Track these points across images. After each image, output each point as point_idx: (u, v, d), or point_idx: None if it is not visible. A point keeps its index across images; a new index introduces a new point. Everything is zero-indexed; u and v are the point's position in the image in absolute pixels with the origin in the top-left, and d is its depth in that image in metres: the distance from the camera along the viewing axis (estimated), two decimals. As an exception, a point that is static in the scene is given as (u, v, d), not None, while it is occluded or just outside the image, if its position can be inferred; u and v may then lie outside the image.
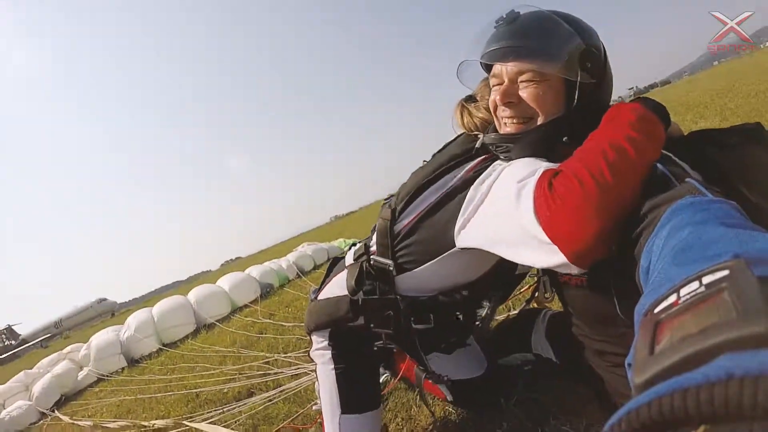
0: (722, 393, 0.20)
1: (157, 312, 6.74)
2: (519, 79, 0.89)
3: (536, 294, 1.46)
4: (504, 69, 0.91)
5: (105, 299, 54.35)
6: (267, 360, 3.23)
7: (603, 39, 0.92)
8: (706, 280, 0.30)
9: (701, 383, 0.21)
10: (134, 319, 6.70)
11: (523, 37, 0.88)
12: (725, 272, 0.30)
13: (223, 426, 2.25)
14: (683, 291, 0.31)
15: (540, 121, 0.90)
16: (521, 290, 2.13)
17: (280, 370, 2.79)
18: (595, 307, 0.97)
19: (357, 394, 1.24)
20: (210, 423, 2.39)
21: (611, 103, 0.93)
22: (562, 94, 0.89)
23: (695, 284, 0.31)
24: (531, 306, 1.68)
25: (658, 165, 0.71)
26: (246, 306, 6.65)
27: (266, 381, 2.72)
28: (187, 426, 2.49)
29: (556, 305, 1.43)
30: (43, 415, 5.11)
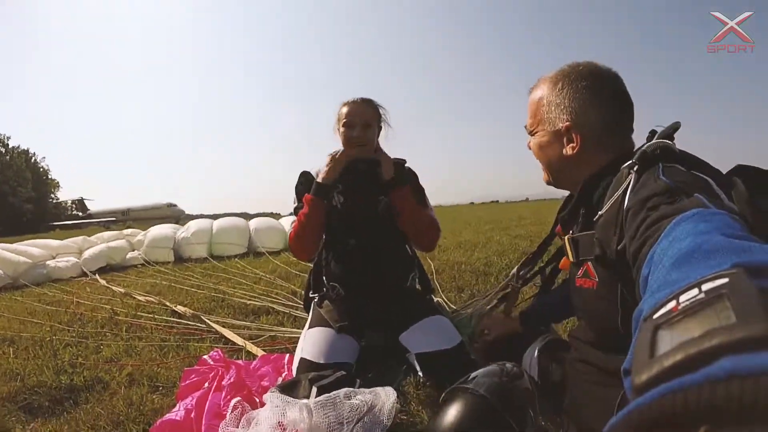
0: (724, 392, 0.20)
1: (217, 225, 6.95)
2: None
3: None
4: None
5: (175, 205, 53.61)
6: (295, 293, 3.32)
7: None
8: (705, 287, 0.30)
9: (703, 382, 0.21)
10: (195, 224, 6.95)
11: None
12: (725, 280, 0.30)
13: (231, 330, 2.39)
14: (682, 297, 0.31)
15: None
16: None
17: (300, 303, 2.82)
18: (600, 313, 0.97)
19: None
20: (221, 325, 2.53)
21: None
22: None
23: (695, 291, 0.31)
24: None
25: (667, 179, 0.72)
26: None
27: (289, 310, 2.80)
28: (202, 319, 2.67)
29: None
30: (84, 275, 5.50)
